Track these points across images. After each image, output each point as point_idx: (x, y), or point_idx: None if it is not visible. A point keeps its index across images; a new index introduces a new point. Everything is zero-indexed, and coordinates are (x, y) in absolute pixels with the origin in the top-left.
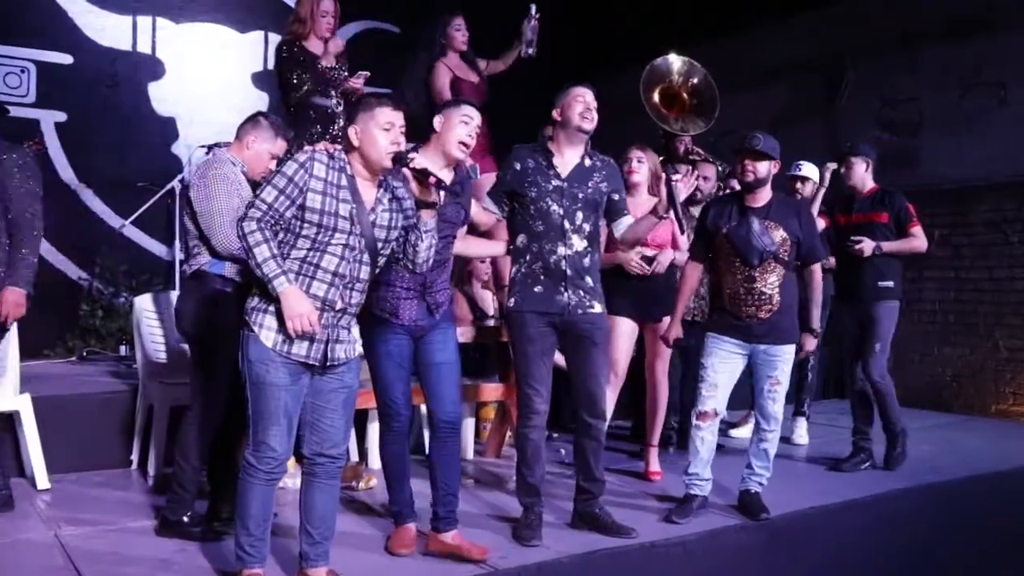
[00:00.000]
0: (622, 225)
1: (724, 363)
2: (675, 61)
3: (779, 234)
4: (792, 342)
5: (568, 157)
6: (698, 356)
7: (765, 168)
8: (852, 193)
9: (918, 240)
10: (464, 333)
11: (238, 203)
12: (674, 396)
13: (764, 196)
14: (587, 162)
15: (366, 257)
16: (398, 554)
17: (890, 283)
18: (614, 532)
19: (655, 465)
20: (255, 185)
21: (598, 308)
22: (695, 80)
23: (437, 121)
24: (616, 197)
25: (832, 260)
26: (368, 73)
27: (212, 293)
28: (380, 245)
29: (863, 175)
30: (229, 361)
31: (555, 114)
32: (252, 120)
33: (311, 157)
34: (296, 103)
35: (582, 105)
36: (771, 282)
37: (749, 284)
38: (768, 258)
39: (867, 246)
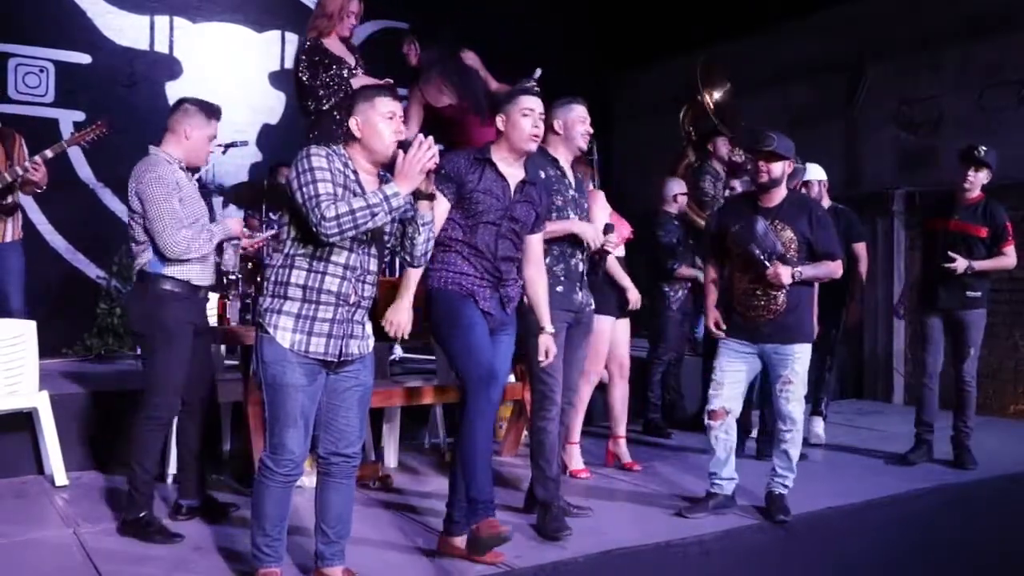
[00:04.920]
0: None
1: (731, 362)
2: (717, 70)
3: (787, 234)
4: (803, 341)
5: (567, 167)
6: None
7: (779, 169)
8: (953, 197)
9: (1009, 259)
10: None
11: (178, 204)
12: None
13: (777, 196)
14: (577, 173)
15: (374, 249)
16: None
17: (978, 293)
18: (570, 513)
19: (627, 456)
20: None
21: (594, 304)
22: (719, 97)
23: (500, 121)
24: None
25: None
26: (391, 81)
27: (154, 293)
28: (386, 238)
29: (978, 184)
30: (173, 361)
31: (556, 126)
32: (181, 110)
33: (330, 151)
34: (317, 111)
35: (583, 126)
36: None
37: (756, 284)
38: (774, 259)
39: (960, 265)
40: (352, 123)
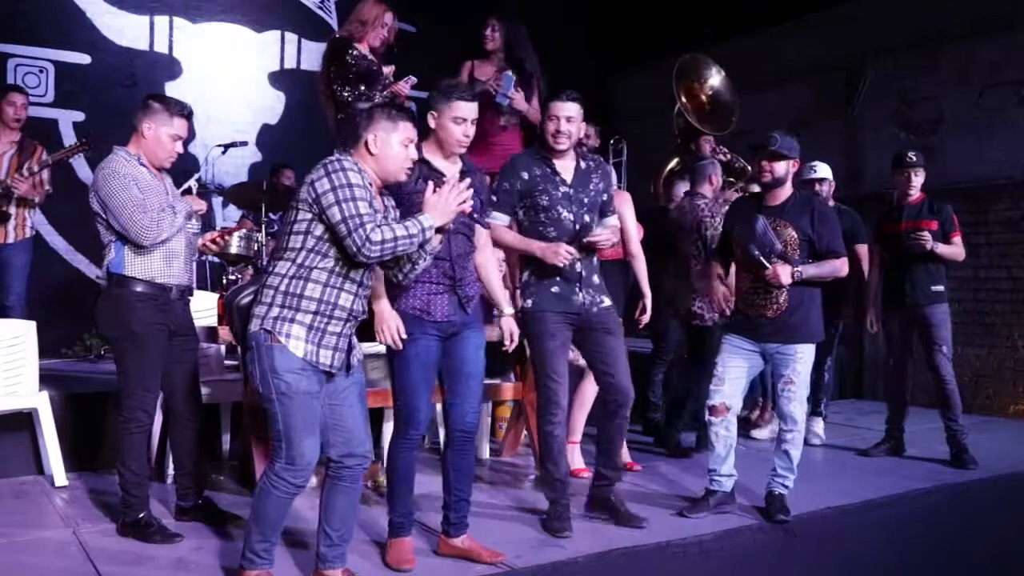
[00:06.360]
0: (604, 224)
1: (732, 358)
2: (704, 62)
3: (789, 232)
4: (805, 341)
5: (566, 162)
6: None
7: (783, 168)
8: (899, 202)
9: (960, 249)
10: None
11: (138, 192)
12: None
13: (782, 195)
14: (583, 164)
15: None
16: (401, 570)
17: (941, 287)
18: (625, 521)
19: (627, 456)
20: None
21: (607, 302)
22: (715, 86)
23: (431, 118)
24: (606, 197)
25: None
26: (415, 79)
27: (118, 294)
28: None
29: (919, 185)
30: (142, 363)
31: (539, 126)
32: (143, 107)
33: (356, 165)
34: (343, 102)
35: (553, 125)
36: None
37: (758, 283)
38: (773, 258)
39: (928, 239)
40: (369, 139)
